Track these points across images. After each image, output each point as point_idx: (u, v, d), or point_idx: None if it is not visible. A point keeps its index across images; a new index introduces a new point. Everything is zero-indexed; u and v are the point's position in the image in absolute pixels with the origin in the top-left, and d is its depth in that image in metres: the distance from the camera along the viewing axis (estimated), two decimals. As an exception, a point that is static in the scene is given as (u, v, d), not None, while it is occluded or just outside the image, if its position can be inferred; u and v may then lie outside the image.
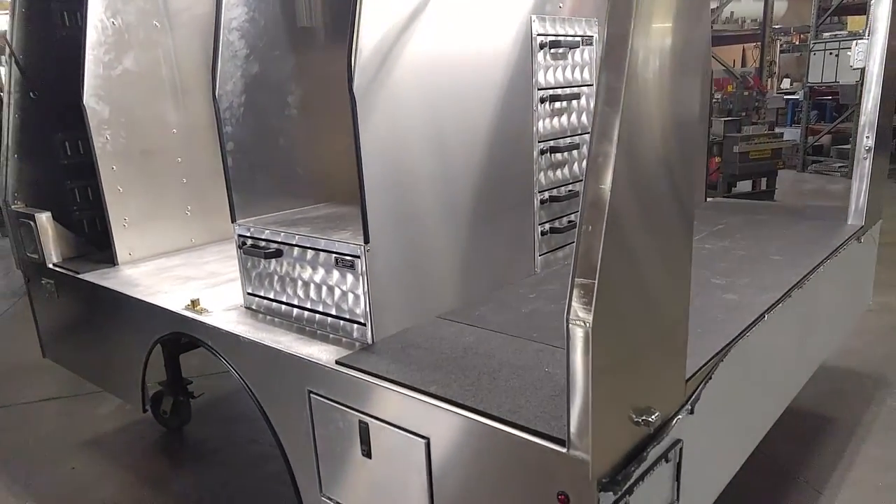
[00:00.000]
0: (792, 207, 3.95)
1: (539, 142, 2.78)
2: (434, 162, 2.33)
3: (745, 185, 8.58)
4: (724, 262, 2.92)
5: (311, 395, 2.18)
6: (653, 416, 1.64)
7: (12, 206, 3.71)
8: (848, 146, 10.31)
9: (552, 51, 2.77)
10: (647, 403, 1.67)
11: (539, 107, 2.76)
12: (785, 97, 13.38)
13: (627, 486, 1.61)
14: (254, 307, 2.64)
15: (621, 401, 1.58)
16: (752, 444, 2.43)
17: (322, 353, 2.20)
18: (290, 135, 2.74)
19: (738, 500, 3.14)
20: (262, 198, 2.69)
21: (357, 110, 2.03)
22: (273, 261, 2.48)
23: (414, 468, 1.92)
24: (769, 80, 15.78)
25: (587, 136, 2.94)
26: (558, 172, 2.92)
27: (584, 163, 2.88)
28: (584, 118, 2.98)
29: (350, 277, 2.23)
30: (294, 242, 2.39)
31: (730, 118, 8.18)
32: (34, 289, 3.76)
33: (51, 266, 3.53)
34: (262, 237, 2.50)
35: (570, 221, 3.02)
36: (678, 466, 1.87)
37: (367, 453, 2.06)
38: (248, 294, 2.65)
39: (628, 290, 1.53)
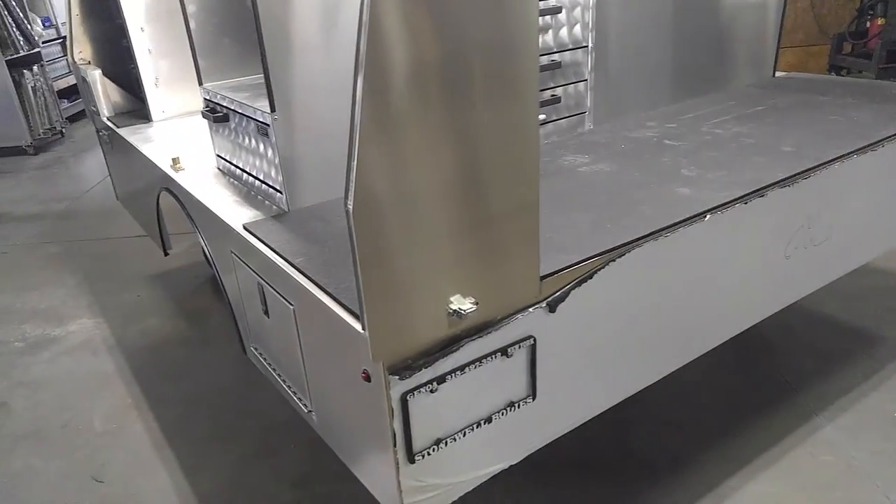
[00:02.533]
0: (887, 87, 3.29)
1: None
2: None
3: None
4: (719, 151, 2.58)
5: (233, 255, 2.33)
6: (465, 308, 1.58)
7: (77, 63, 4.07)
8: None
9: None
10: (471, 294, 1.61)
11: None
12: None
13: (431, 374, 1.61)
14: (220, 168, 2.78)
15: (420, 287, 1.52)
16: (671, 362, 2.21)
17: (245, 218, 2.31)
18: (257, -5, 2.71)
19: (708, 407, 3.01)
20: (231, 61, 2.73)
21: (252, -27, 1.97)
22: (224, 126, 2.57)
23: (292, 331, 2.02)
24: None
25: None
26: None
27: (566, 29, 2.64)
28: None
29: (268, 146, 2.27)
30: (233, 108, 2.45)
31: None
32: (100, 138, 4.20)
33: (104, 119, 3.90)
34: (215, 101, 2.58)
35: (552, 95, 2.79)
36: (532, 363, 1.81)
37: (266, 312, 2.19)
38: (217, 155, 2.78)
39: (416, 175, 1.43)
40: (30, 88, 8.17)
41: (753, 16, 3.43)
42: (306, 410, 2.10)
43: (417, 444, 1.66)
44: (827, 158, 2.41)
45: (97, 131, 4.25)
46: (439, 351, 1.62)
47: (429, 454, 1.69)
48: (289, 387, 2.21)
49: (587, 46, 2.81)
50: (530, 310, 1.75)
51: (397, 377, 1.56)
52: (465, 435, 1.74)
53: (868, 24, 7.22)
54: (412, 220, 1.47)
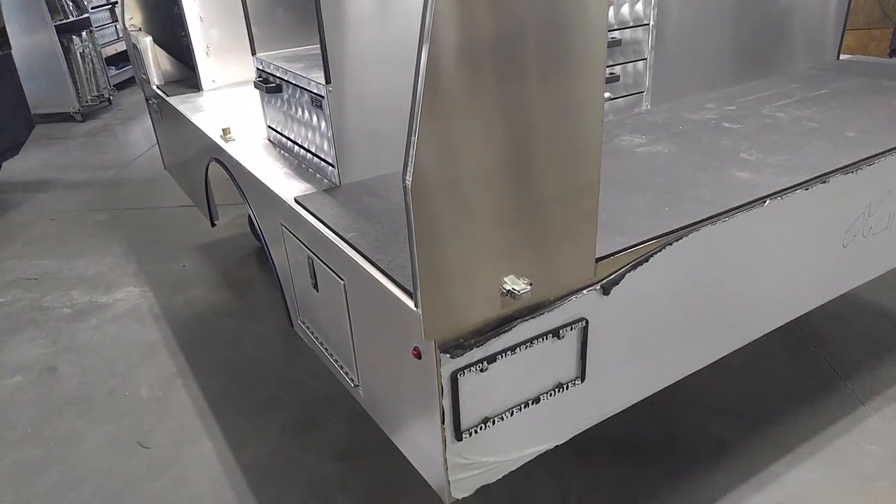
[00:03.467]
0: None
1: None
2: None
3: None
4: (780, 135, 2.49)
5: (283, 227, 2.34)
6: (519, 289, 1.56)
7: (128, 29, 4.11)
8: None
9: None
10: (525, 275, 1.58)
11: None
12: None
13: (482, 353, 1.60)
14: (271, 140, 2.79)
15: (475, 266, 1.51)
16: (723, 347, 2.17)
17: (295, 191, 2.31)
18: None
19: (754, 393, 2.96)
20: (285, 31, 2.72)
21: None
22: (277, 96, 2.57)
23: (341, 306, 2.03)
24: None
25: (636, -25, 2.58)
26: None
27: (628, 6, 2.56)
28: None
29: (322, 118, 2.26)
30: (286, 79, 2.44)
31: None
32: (149, 107, 4.25)
33: (154, 87, 3.94)
34: (269, 72, 2.58)
35: (611, 73, 2.72)
36: (583, 345, 1.79)
37: (315, 286, 2.20)
38: (268, 127, 2.79)
39: (474, 152, 1.40)
40: (78, 55, 8.30)
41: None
42: (353, 385, 2.12)
43: (465, 422, 1.66)
44: (892, 145, 2.32)
45: (146, 99, 4.29)
46: (491, 331, 1.61)
47: (476, 432, 1.69)
48: (336, 361, 2.22)
49: (649, 24, 2.73)
50: (584, 292, 1.73)
51: (448, 355, 1.55)
52: (512, 414, 1.74)
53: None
54: (469, 199, 1.44)
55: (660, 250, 1.83)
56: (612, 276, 1.77)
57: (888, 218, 2.47)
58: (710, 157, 2.32)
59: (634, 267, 1.81)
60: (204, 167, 3.23)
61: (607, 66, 2.70)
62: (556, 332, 1.72)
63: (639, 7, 2.68)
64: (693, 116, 2.75)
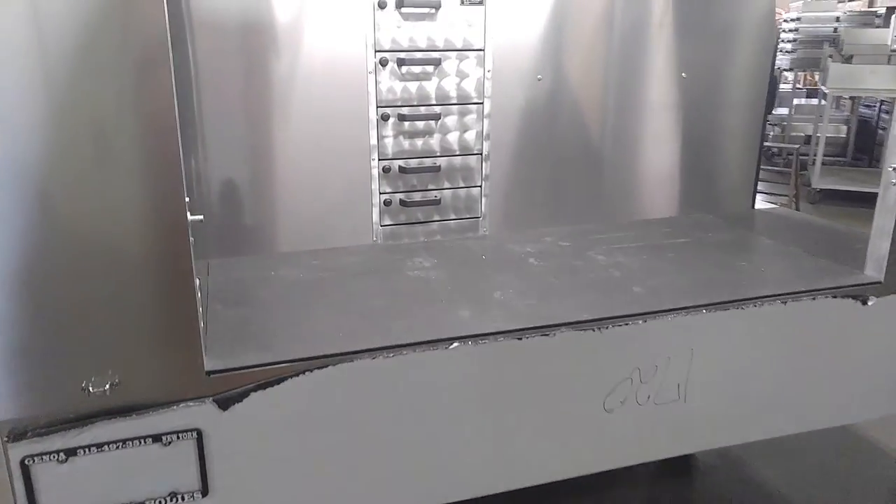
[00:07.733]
0: (855, 236, 2.86)
1: (380, 106, 2.57)
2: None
3: None
4: (570, 278, 2.37)
5: None
6: (94, 387, 1.63)
7: None
8: None
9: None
10: (117, 374, 1.65)
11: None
12: None
13: (60, 443, 1.65)
14: None
15: (40, 355, 1.59)
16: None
17: None
18: None
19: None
20: None
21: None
22: None
23: None
24: None
25: (453, 107, 2.66)
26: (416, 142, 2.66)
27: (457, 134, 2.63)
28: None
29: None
30: None
31: None
32: None
33: None
34: None
35: (436, 197, 2.74)
36: (201, 457, 1.79)
37: None
38: None
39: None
40: None
41: (732, 144, 3.14)
42: None
43: (47, 510, 1.70)
44: (664, 307, 2.13)
45: None
46: (65, 423, 1.66)
47: (62, 524, 1.72)
48: None
49: (480, 154, 2.75)
50: (191, 403, 1.74)
51: (7, 440, 1.63)
52: (111, 513, 1.75)
53: None
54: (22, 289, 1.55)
55: (296, 375, 1.81)
56: (231, 392, 1.77)
57: (678, 388, 2.23)
58: (463, 292, 2.26)
59: (263, 387, 1.80)
60: None
61: (431, 190, 2.74)
62: (157, 438, 1.74)
63: (469, 136, 2.71)
64: (514, 248, 2.68)
